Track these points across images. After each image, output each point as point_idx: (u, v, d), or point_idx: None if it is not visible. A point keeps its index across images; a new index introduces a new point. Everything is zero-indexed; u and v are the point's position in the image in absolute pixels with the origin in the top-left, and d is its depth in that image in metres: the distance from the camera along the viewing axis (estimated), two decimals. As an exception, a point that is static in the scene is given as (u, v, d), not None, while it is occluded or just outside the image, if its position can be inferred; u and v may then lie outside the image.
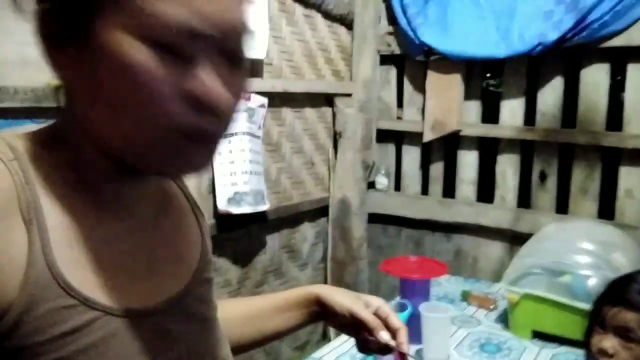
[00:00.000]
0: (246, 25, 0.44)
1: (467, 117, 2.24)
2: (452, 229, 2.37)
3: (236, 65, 0.45)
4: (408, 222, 2.53)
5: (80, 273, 0.44)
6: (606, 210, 1.96)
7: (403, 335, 0.69)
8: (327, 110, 2.42)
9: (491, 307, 1.65)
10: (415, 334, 1.32)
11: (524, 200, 2.17)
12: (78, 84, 0.44)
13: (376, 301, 0.73)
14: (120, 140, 0.44)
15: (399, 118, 2.51)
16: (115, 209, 0.49)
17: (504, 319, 1.55)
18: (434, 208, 2.39)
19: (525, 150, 2.13)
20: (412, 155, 2.49)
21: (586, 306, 1.31)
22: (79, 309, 0.43)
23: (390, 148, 2.58)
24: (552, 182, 2.06)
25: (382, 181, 2.57)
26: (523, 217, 2.10)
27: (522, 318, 1.42)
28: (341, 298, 0.71)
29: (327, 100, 2.40)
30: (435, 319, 1.16)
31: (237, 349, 0.70)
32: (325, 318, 0.73)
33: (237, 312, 0.72)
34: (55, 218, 0.44)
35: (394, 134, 2.55)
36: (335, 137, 2.41)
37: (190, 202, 0.61)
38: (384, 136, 2.56)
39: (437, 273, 1.38)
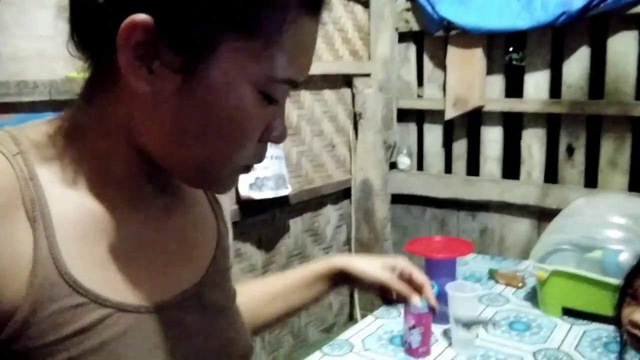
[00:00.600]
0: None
1: (490, 92, 2.19)
2: (477, 207, 2.35)
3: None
4: (432, 202, 2.52)
5: (90, 269, 0.43)
6: (637, 183, 1.91)
7: (429, 290, 0.74)
8: (346, 92, 2.40)
9: (519, 285, 1.64)
10: (442, 314, 1.32)
11: (551, 175, 2.14)
12: (152, 101, 0.43)
13: (399, 262, 0.76)
14: (180, 163, 0.45)
15: (419, 96, 2.48)
16: (130, 203, 0.48)
17: (533, 297, 1.53)
18: (458, 186, 2.37)
19: (551, 124, 2.09)
20: (434, 134, 2.47)
21: (618, 281, 1.30)
22: (89, 307, 0.42)
23: (412, 127, 2.56)
24: (579, 155, 2.02)
25: (404, 161, 2.56)
26: (550, 192, 2.06)
27: (552, 295, 1.41)
28: (367, 268, 0.74)
29: (345, 81, 2.39)
30: (462, 299, 1.16)
31: (265, 326, 0.73)
32: (350, 284, 0.75)
33: (261, 292, 0.73)
34: (63, 213, 0.43)
35: (415, 113, 2.52)
36: (355, 119, 2.40)
37: (209, 197, 0.60)
38: (404, 115, 2.54)
39: (462, 252, 1.37)
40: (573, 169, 2.04)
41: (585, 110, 1.93)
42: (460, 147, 2.39)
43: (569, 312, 1.40)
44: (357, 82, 2.36)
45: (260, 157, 0.47)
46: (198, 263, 0.54)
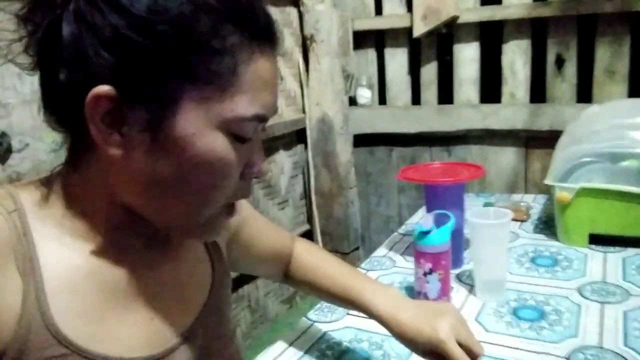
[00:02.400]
0: None
1: (464, 0, 1.94)
2: (453, 140, 2.12)
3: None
4: (399, 140, 2.27)
5: (76, 322, 0.46)
6: (638, 93, 1.74)
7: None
8: (292, 11, 2.07)
9: (524, 217, 1.43)
10: (456, 253, 1.07)
11: (538, 94, 1.93)
12: (126, 163, 0.46)
13: (452, 319, 0.67)
14: (164, 217, 0.49)
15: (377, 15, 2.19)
16: (119, 257, 0.51)
17: (544, 229, 1.33)
18: (430, 118, 2.12)
19: (536, 34, 1.87)
20: (398, 59, 2.19)
21: (665, 192, 1.09)
22: (72, 358, 0.45)
23: (371, 54, 2.27)
24: (571, 67, 1.82)
25: (364, 94, 2.28)
26: (540, 112, 1.86)
27: (577, 220, 1.19)
28: (417, 324, 0.67)
29: (290, -3, 2.05)
30: (492, 228, 0.90)
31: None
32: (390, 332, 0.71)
33: (313, 276, 0.79)
34: (53, 268, 0.46)
35: (373, 36, 2.23)
36: (305, 44, 2.07)
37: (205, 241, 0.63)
38: (360, 40, 2.24)
39: (472, 175, 1.12)
40: (564, 84, 1.85)
41: (580, 10, 1.72)
42: (429, 72, 2.14)
43: (595, 240, 1.20)
44: (306, -3, 2.03)
45: (245, 194, 0.51)
46: (188, 313, 0.57)
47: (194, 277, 0.59)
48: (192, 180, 0.46)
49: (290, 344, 0.86)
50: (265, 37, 0.47)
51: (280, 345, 0.86)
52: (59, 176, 0.51)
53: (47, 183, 0.51)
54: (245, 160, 0.48)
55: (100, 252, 0.50)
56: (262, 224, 0.79)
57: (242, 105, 0.45)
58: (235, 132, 0.46)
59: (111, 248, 0.50)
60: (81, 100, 0.43)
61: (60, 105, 0.46)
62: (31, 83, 1.28)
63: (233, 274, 0.71)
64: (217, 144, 0.45)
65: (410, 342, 0.67)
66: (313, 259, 0.81)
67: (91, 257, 0.49)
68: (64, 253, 0.48)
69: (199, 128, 0.44)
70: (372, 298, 0.71)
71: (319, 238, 2.32)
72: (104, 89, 0.42)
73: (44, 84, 0.47)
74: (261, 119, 0.47)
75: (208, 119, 0.44)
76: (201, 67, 0.43)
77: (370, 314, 0.71)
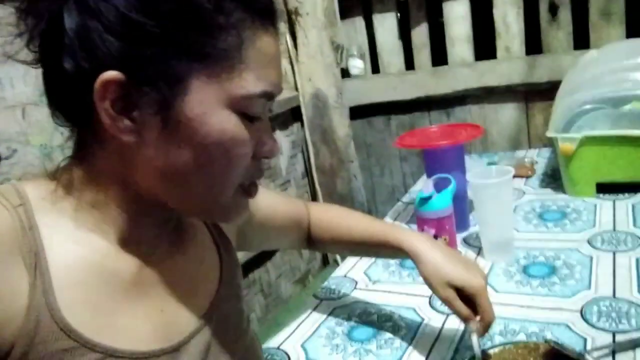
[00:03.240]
0: None
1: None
2: (451, 101, 2.09)
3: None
4: (396, 107, 2.24)
5: (84, 315, 0.46)
6: (635, 33, 1.69)
7: (491, 321, 0.66)
8: (273, -14, 2.03)
9: (529, 173, 1.41)
10: (461, 216, 1.06)
11: (534, 45, 1.89)
12: (140, 150, 0.46)
13: (473, 281, 0.66)
14: (184, 201, 0.49)
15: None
16: (128, 249, 0.51)
17: (550, 182, 1.31)
18: (426, 82, 2.09)
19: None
20: (387, 25, 2.15)
21: (671, 132, 1.07)
22: (79, 351, 0.45)
23: (359, 22, 2.23)
24: (565, 13, 1.77)
25: (356, 65, 2.24)
26: (537, 64, 1.82)
27: (583, 170, 1.17)
28: (433, 275, 0.69)
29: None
30: (494, 186, 0.88)
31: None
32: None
33: (338, 234, 0.81)
34: (60, 261, 0.46)
35: (359, 3, 2.18)
36: (291, 18, 2.03)
37: (212, 231, 0.63)
38: (346, 10, 2.20)
39: (470, 136, 1.09)
40: (559, 31, 1.80)
41: (570, -48, 1.66)
42: (421, 35, 2.10)
43: (603, 189, 1.18)
44: (286, -31, 1.98)
45: (259, 174, 0.51)
46: (197, 308, 0.56)
47: (203, 270, 0.59)
48: (206, 162, 0.46)
49: (300, 324, 0.85)
50: (267, 13, 0.47)
51: (291, 325, 0.85)
52: (66, 170, 0.51)
53: (54, 177, 0.51)
54: (256, 139, 0.48)
55: (109, 245, 0.50)
56: (273, 196, 0.79)
57: (251, 82, 0.45)
58: (244, 110, 0.46)
59: (121, 240, 0.51)
60: (89, 89, 0.43)
61: (66, 97, 0.47)
62: (12, 87, 1.26)
63: (242, 259, 0.70)
64: (228, 122, 0.45)
65: (439, 280, 0.67)
66: (332, 215, 0.83)
67: (100, 250, 0.49)
68: (72, 246, 0.48)
69: (209, 107, 0.45)
70: (403, 235, 0.73)
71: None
72: (112, 74, 0.42)
73: (48, 78, 0.47)
74: (269, 96, 0.47)
75: (217, 98, 0.45)
76: (207, 44, 0.44)
77: (402, 251, 0.72)
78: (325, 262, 2.57)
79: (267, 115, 0.50)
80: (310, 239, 0.83)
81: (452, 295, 0.66)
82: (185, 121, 0.44)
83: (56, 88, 0.47)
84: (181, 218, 0.58)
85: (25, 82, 1.28)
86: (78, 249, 0.48)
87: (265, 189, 0.77)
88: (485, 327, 0.65)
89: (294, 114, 2.21)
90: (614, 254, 0.90)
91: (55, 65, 0.44)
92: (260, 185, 0.54)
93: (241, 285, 0.65)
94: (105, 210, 0.50)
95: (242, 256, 1.17)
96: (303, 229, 0.82)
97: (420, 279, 0.67)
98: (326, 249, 0.85)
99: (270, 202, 0.77)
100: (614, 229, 1.00)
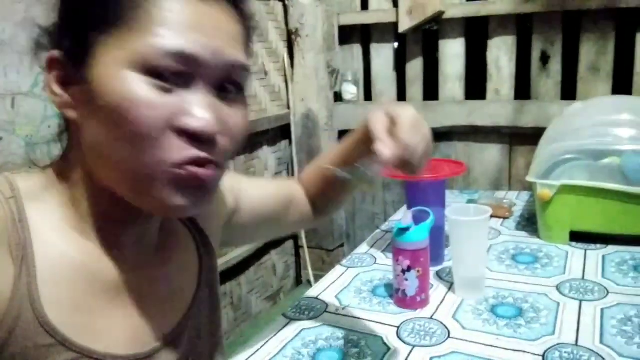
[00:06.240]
0: (241, 62, 0.48)
1: (449, -4, 1.94)
2: (438, 136, 2.12)
3: (234, 102, 0.48)
4: (385, 136, 2.26)
5: (65, 313, 0.46)
6: (621, 89, 1.75)
7: (407, 149, 0.56)
8: (277, 5, 2.05)
9: (506, 214, 1.43)
10: (436, 250, 1.07)
11: (523, 90, 1.93)
12: (78, 124, 0.47)
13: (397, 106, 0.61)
14: (115, 177, 0.46)
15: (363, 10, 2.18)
16: (112, 251, 0.51)
17: (526, 226, 1.33)
18: (415, 115, 2.12)
19: (522, 29, 1.87)
20: (383, 55, 2.19)
21: (645, 190, 1.10)
22: (57, 348, 0.45)
23: (356, 49, 2.26)
24: (555, 63, 1.83)
25: (349, 90, 2.27)
26: (524, 109, 1.87)
27: (559, 217, 1.20)
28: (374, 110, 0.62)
29: (275, -9, 2.03)
30: (471, 224, 0.90)
31: (338, 197, 0.81)
32: None
33: (318, 168, 0.78)
34: (47, 256, 0.46)
35: (359, 31, 2.22)
36: (290, 38, 2.06)
37: (197, 239, 0.62)
38: (346, 35, 2.23)
39: (454, 172, 1.11)
40: (549, 80, 1.85)
41: (565, 7, 1.72)
42: (415, 68, 2.14)
43: (576, 238, 1.20)
44: (291, -9, 2.01)
45: (187, 155, 0.44)
46: (174, 312, 0.56)
47: (183, 280, 0.59)
48: (120, 132, 0.43)
49: (267, 342, 0.85)
50: None
51: (257, 342, 0.85)
52: (53, 165, 0.51)
53: (44, 172, 0.51)
54: (175, 108, 0.44)
55: (92, 245, 0.50)
56: (260, 182, 0.78)
57: (155, 42, 0.43)
58: (152, 69, 0.43)
59: (103, 241, 0.50)
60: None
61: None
62: (5, 76, 1.26)
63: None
64: (133, 85, 0.43)
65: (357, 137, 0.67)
66: (312, 167, 0.81)
67: (84, 249, 0.49)
68: (58, 243, 0.48)
69: (113, 70, 0.43)
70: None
71: (303, 235, 2.31)
72: (52, 52, 0.46)
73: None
74: (187, 57, 0.43)
75: (122, 61, 0.43)
76: (103, 9, 0.44)
77: (363, 127, 0.64)
78: (298, 281, 2.56)
79: (205, 91, 0.45)
80: (313, 204, 0.80)
81: (378, 116, 0.59)
82: (97, 89, 0.43)
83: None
84: (164, 223, 0.57)
85: (18, 71, 1.28)
86: (63, 246, 0.48)
87: (246, 178, 0.76)
88: (396, 150, 0.55)
89: (283, 132, 2.22)
90: (581, 302, 0.91)
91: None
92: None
93: (219, 294, 0.64)
94: (82, 209, 0.49)
95: (216, 268, 1.16)
96: (301, 200, 0.80)
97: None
98: (329, 198, 0.79)
99: (258, 187, 0.75)
100: (583, 278, 1.01)
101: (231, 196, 0.70)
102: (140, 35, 0.43)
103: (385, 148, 0.54)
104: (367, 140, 0.60)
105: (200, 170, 0.45)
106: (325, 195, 0.79)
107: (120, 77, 0.43)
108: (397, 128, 0.56)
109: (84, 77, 0.44)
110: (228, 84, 0.47)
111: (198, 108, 0.44)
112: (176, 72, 0.43)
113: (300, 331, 0.87)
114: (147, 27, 0.43)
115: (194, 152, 0.44)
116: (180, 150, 0.44)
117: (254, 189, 0.74)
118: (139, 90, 0.43)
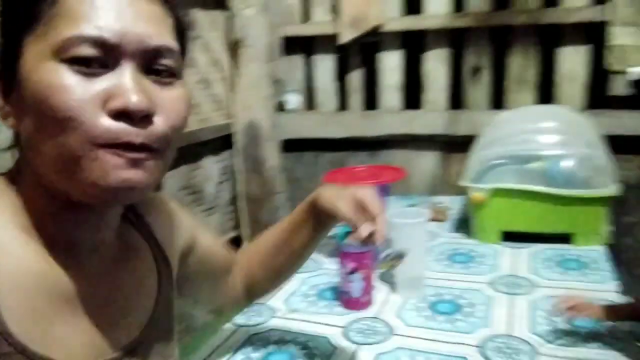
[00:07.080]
0: (166, 45, 0.48)
1: (388, 10, 2.01)
2: (378, 144, 2.18)
3: (170, 85, 0.49)
4: (327, 145, 2.30)
5: (25, 322, 0.46)
6: (545, 99, 1.88)
7: (381, 223, 0.65)
8: (220, 15, 2.05)
9: (442, 218, 1.51)
10: (380, 252, 1.11)
11: (459, 101, 2.03)
12: (20, 129, 0.47)
13: (360, 192, 0.68)
14: (48, 167, 0.46)
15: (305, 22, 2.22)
16: (69, 260, 0.50)
17: (460, 228, 1.40)
18: (356, 124, 2.17)
19: (456, 43, 1.97)
20: (325, 66, 2.23)
21: (567, 192, 1.19)
22: (15, 357, 0.45)
23: (299, 60, 2.29)
24: (486, 75, 1.93)
25: (292, 100, 2.30)
26: (458, 119, 1.96)
27: (490, 219, 1.27)
28: (329, 195, 0.70)
29: (217, 1, 2.03)
30: (410, 227, 0.94)
31: (280, 279, 0.82)
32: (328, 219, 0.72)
33: (266, 247, 0.79)
34: (7, 265, 0.45)
35: (301, 43, 2.25)
36: (234, 48, 2.06)
37: (155, 253, 0.62)
38: (288, 47, 2.26)
39: (393, 178, 1.16)
40: (479, 91, 1.96)
41: (492, 22, 1.83)
42: (355, 79, 2.20)
43: (507, 237, 1.29)
44: (235, 1, 2.02)
45: (115, 133, 0.44)
46: (133, 325, 0.56)
47: (142, 291, 0.59)
48: (45, 118, 0.44)
49: (215, 349, 0.85)
50: None
51: (204, 351, 0.85)
52: (6, 174, 0.51)
53: (3, 178, 0.51)
54: (102, 93, 0.44)
55: (49, 253, 0.49)
56: (209, 234, 0.76)
57: (68, 28, 0.44)
58: (71, 58, 0.43)
59: (59, 249, 0.50)
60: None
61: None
62: None
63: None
64: (53, 72, 0.43)
65: (334, 194, 0.69)
66: (252, 245, 0.82)
67: (41, 258, 0.48)
68: (17, 251, 0.47)
69: (36, 64, 0.44)
70: (313, 194, 0.72)
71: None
72: None
73: None
74: (99, 43, 0.44)
75: (42, 52, 0.44)
76: (25, 10, 0.45)
77: (311, 203, 0.72)
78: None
79: (134, 75, 0.46)
80: (247, 281, 0.80)
81: (347, 205, 0.66)
82: (24, 84, 0.45)
83: None
84: (123, 236, 0.57)
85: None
86: (22, 254, 0.47)
87: (204, 228, 0.76)
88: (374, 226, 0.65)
89: (226, 141, 2.21)
90: (511, 296, 0.98)
91: None
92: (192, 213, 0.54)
93: (174, 307, 0.64)
94: (35, 213, 0.49)
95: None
96: (237, 274, 0.80)
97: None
98: (264, 278, 0.80)
99: (210, 239, 0.75)
100: (513, 274, 1.09)
101: (189, 233, 0.69)
102: (61, 27, 0.44)
103: (365, 229, 0.64)
104: (315, 217, 0.71)
105: (132, 154, 0.45)
106: (265, 271, 0.79)
107: (44, 67, 0.44)
108: (368, 209, 0.65)
109: (17, 80, 0.45)
110: (159, 67, 0.48)
111: (125, 87, 0.45)
112: (98, 58, 0.44)
113: (250, 336, 0.88)
114: (67, 18, 0.44)
115: (121, 129, 0.44)
116: (109, 130, 0.44)
117: (207, 239, 0.74)
118: (63, 77, 0.43)
